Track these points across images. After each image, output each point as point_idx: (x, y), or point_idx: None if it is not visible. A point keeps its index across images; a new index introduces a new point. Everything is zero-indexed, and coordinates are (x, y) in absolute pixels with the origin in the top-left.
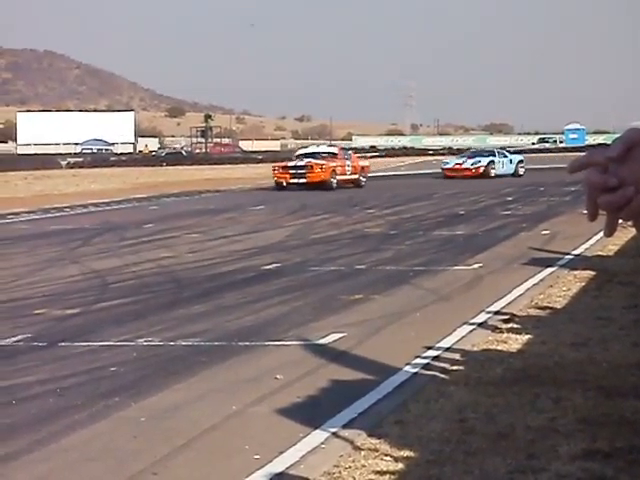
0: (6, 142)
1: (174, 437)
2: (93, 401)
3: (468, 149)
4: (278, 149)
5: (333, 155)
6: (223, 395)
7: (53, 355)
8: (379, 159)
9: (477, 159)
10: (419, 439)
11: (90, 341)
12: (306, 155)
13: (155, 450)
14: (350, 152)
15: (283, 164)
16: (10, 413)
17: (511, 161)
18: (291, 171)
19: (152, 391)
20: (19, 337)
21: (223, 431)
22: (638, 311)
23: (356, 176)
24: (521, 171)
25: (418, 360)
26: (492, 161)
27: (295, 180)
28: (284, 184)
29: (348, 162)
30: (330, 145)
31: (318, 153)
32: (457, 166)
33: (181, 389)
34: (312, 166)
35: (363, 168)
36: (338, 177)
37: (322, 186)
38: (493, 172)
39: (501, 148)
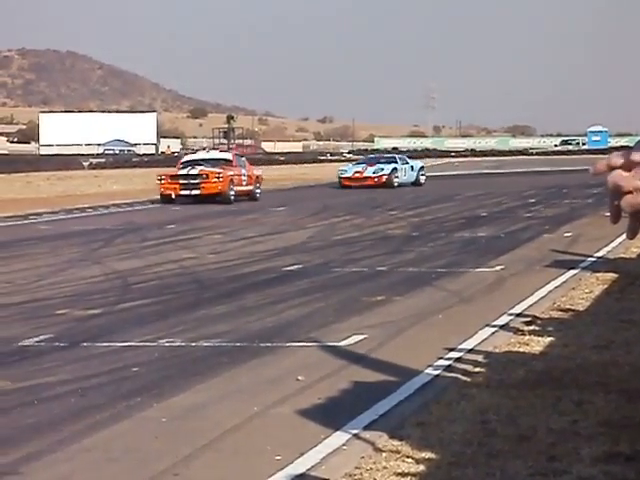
0: (29, 143)
1: (196, 438)
2: (115, 401)
3: (372, 151)
4: (300, 150)
5: (228, 162)
6: (245, 396)
7: (75, 355)
8: None
9: (379, 167)
10: (440, 441)
11: (112, 341)
12: (196, 162)
13: (177, 450)
14: (244, 159)
15: (171, 172)
16: (32, 413)
17: (412, 168)
18: (181, 181)
19: (174, 392)
20: (41, 337)
21: (245, 432)
22: None
23: (251, 187)
24: (422, 179)
25: (440, 362)
26: (395, 169)
27: (186, 192)
28: (172, 197)
29: (244, 170)
30: (223, 150)
31: (210, 160)
32: (357, 174)
33: (203, 390)
34: (207, 175)
35: (258, 178)
36: (236, 188)
37: (218, 199)
38: (396, 181)
39: (400, 152)
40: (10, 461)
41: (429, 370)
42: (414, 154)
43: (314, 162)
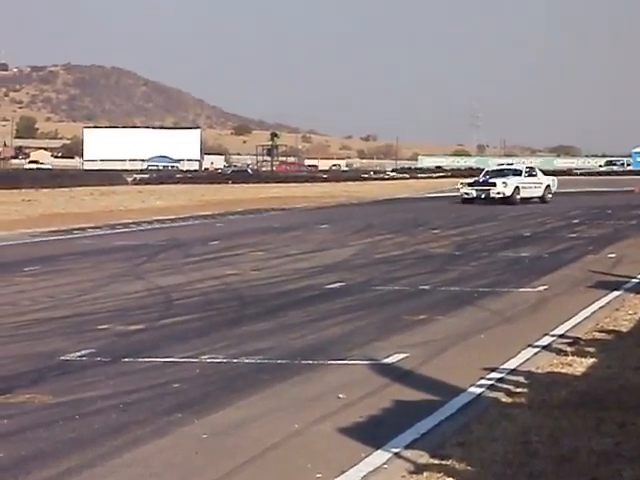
0: (73, 157)
1: (236, 454)
2: (156, 417)
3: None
4: (345, 168)
5: None
6: (286, 413)
7: (117, 370)
8: (445, 179)
9: None
10: (482, 461)
11: (154, 357)
12: None
13: (217, 467)
14: None
15: None
16: (74, 427)
17: None
18: None
19: (215, 408)
20: (83, 352)
21: (285, 449)
22: None
23: None
24: None
25: (482, 382)
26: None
27: None
28: None
29: None
30: None
31: None
32: None
33: (244, 406)
34: None
35: None
36: None
37: None
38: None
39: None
40: (51, 475)
41: (471, 390)
42: (457, 173)
43: (357, 180)
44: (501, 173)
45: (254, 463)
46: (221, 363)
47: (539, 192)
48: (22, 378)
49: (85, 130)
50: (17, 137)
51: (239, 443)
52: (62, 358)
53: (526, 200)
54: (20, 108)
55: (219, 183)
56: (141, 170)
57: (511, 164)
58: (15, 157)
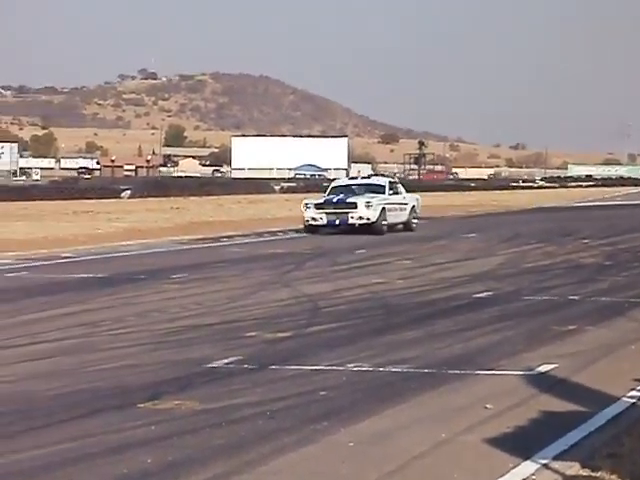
0: (220, 166)
1: (383, 463)
2: (302, 425)
3: None
4: (484, 177)
5: None
6: (433, 422)
7: (264, 378)
8: (595, 188)
9: None
10: (632, 474)
11: (300, 365)
12: None
13: (364, 476)
14: None
15: None
16: (220, 434)
17: None
18: None
19: (361, 416)
20: (231, 359)
21: (432, 459)
22: None
23: None
24: None
25: (632, 393)
26: None
27: None
28: None
29: None
30: None
31: None
32: None
33: (390, 415)
34: None
35: None
36: None
37: None
38: None
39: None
40: None
41: (621, 401)
42: (608, 182)
43: (506, 189)
44: (358, 190)
45: (401, 472)
46: (367, 371)
47: (404, 216)
48: (170, 384)
49: (233, 139)
50: (165, 145)
51: (386, 452)
52: (209, 365)
53: (391, 227)
54: (169, 117)
55: None
56: (288, 179)
57: (368, 176)
58: (164, 165)
